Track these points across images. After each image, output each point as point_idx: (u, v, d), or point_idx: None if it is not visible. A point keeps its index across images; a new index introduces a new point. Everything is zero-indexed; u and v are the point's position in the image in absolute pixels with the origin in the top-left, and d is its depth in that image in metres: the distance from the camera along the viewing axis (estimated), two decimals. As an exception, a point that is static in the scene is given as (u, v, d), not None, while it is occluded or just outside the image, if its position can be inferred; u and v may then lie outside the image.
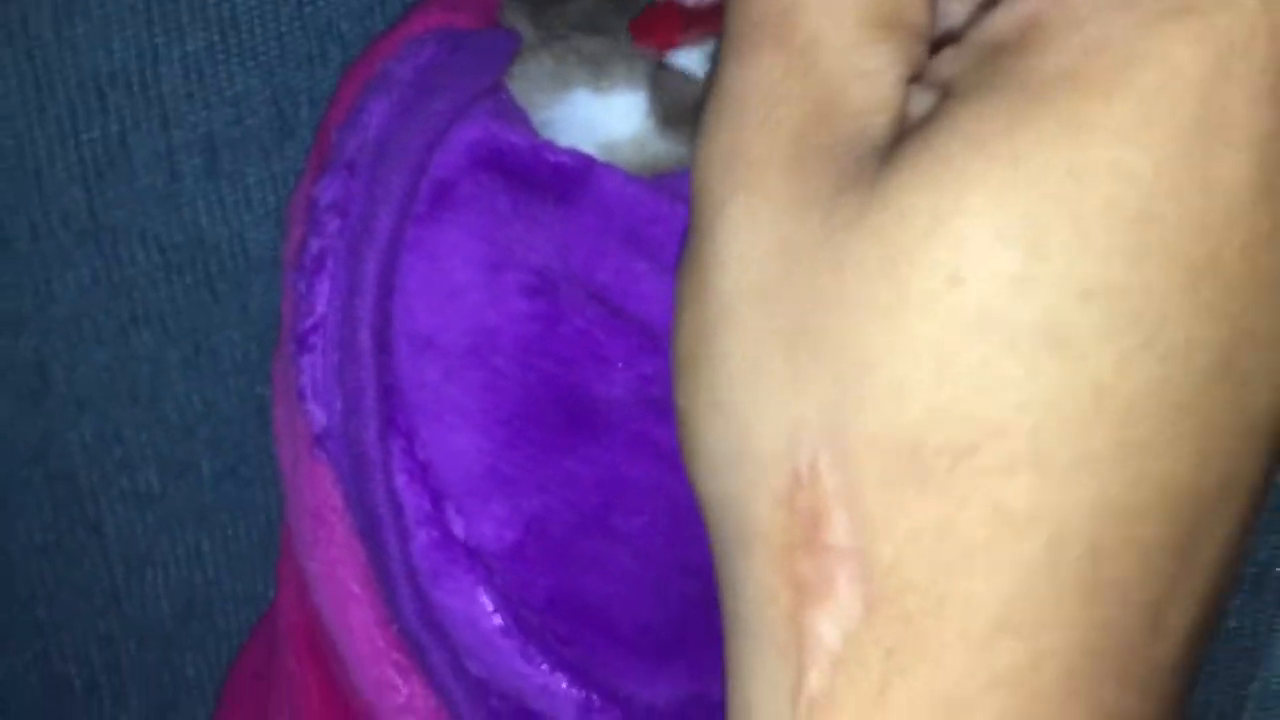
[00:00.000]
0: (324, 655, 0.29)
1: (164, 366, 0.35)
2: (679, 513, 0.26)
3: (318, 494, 0.27)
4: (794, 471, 0.17)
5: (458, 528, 0.25)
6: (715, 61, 0.19)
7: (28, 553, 0.35)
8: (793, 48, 0.18)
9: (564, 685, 0.25)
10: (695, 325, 0.18)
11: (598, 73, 0.27)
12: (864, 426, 0.16)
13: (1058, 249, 0.16)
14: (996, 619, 0.16)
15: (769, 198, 0.17)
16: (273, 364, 0.29)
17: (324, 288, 0.26)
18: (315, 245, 0.26)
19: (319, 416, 0.26)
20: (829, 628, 0.17)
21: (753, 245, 0.17)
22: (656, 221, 0.26)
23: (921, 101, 0.18)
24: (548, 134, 0.28)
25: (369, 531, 0.26)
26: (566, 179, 0.26)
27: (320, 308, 0.26)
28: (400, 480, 0.25)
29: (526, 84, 0.29)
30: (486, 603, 0.25)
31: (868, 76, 0.17)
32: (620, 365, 0.26)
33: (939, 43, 0.18)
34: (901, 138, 0.17)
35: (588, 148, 0.27)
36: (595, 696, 0.26)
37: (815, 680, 0.17)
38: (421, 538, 0.25)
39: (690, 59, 0.27)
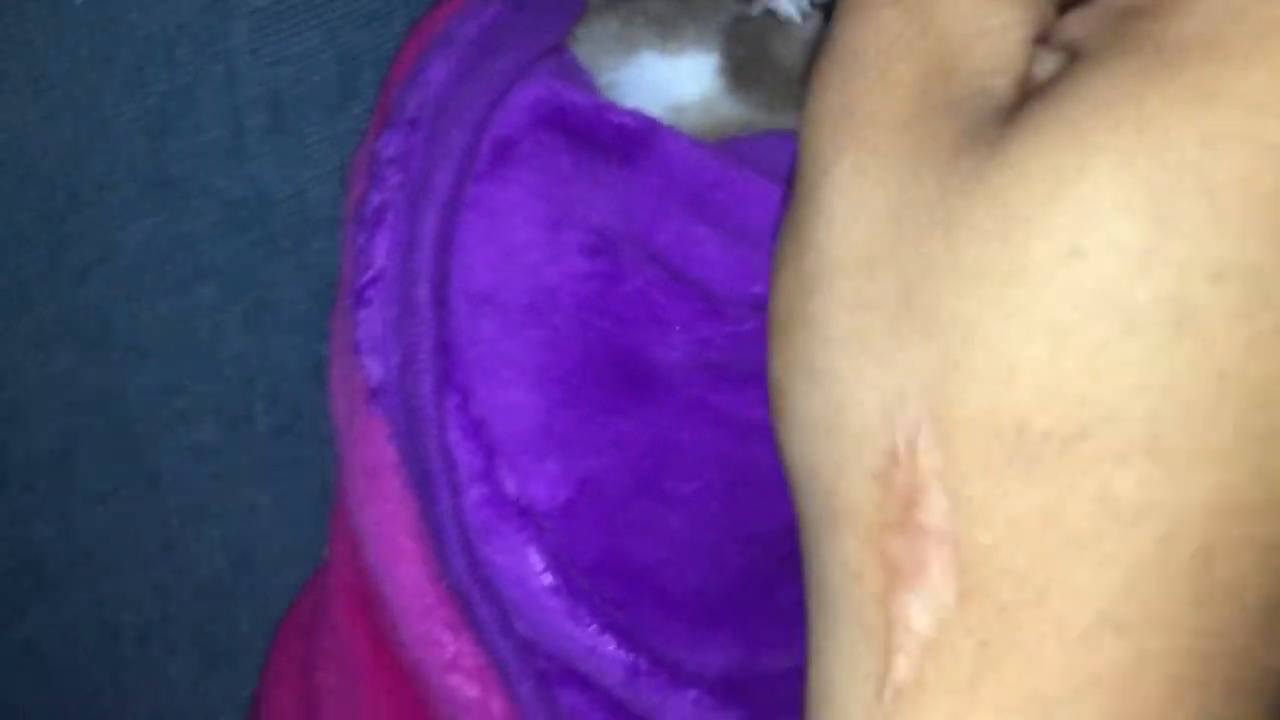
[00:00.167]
0: (372, 609, 0.29)
1: (223, 321, 0.35)
2: (736, 480, 0.26)
3: (372, 448, 0.27)
4: (891, 447, 0.16)
5: (510, 485, 0.25)
6: (828, 16, 0.18)
7: (86, 501, 0.36)
8: (913, 3, 0.17)
9: (612, 647, 0.25)
10: (794, 287, 0.17)
11: (665, 34, 0.27)
12: (969, 404, 0.15)
13: (1187, 224, 0.15)
14: (1099, 615, 0.15)
15: (880, 157, 0.16)
16: (331, 321, 0.29)
17: (383, 241, 0.26)
18: (376, 199, 0.26)
19: (375, 370, 0.26)
20: (920, 612, 0.16)
21: (860, 206, 0.16)
22: (720, 186, 0.26)
23: (1047, 64, 0.17)
24: (613, 96, 0.27)
25: (421, 486, 0.26)
26: (629, 140, 0.26)
27: (379, 261, 0.26)
28: (454, 436, 0.25)
29: (592, 46, 0.28)
30: (536, 561, 0.25)
31: (991, 34, 0.17)
32: (679, 328, 0.25)
33: (1067, 4, 0.17)
34: (1025, 99, 0.16)
35: (654, 110, 0.27)
36: (643, 660, 0.26)
37: (903, 667, 0.16)
38: (473, 494, 0.25)
39: (786, 5, 0.26)
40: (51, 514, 0.36)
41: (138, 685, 0.38)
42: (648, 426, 0.25)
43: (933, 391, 0.16)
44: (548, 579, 0.25)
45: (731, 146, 0.26)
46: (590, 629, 0.25)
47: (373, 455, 0.27)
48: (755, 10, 0.26)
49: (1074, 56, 0.16)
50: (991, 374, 0.15)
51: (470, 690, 0.27)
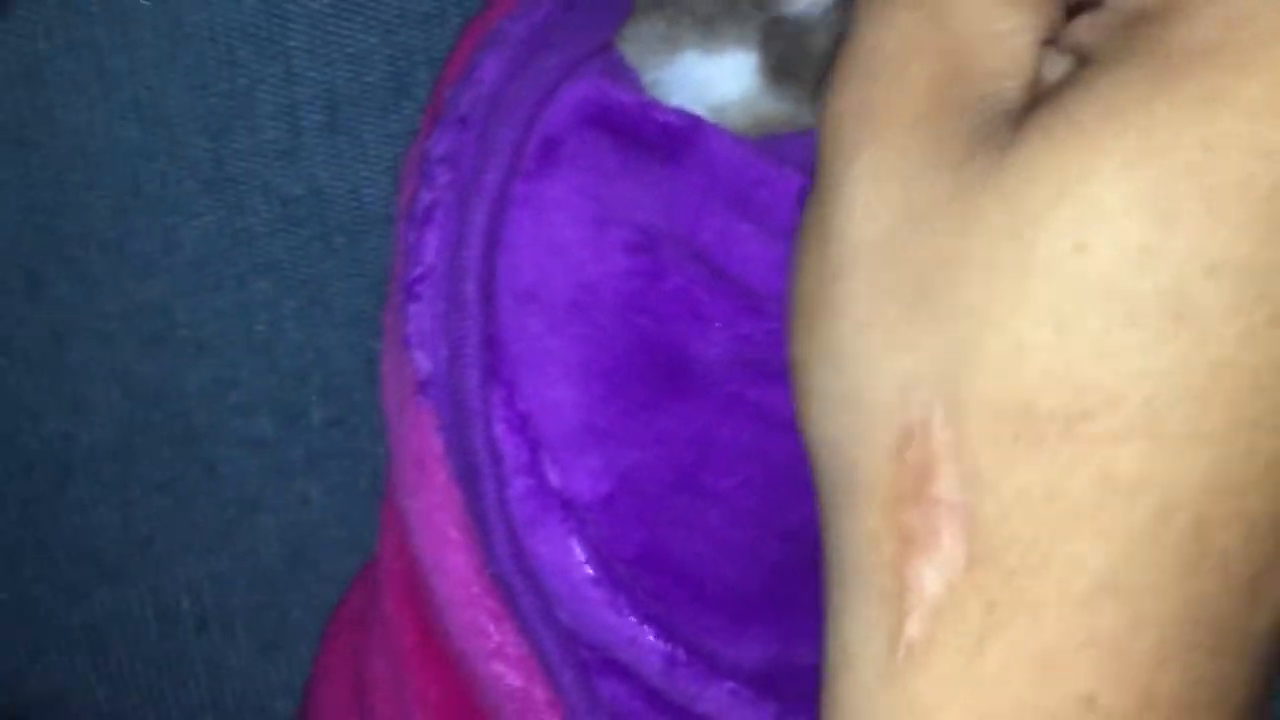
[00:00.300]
0: (420, 599, 0.30)
1: (280, 315, 0.36)
2: (775, 477, 0.26)
3: (420, 439, 0.27)
4: (905, 424, 0.17)
5: (553, 478, 0.26)
6: (848, 15, 0.19)
7: (146, 490, 0.37)
8: (929, 6, 0.18)
9: (651, 638, 0.26)
10: (816, 272, 0.18)
11: (708, 33, 0.27)
12: (979, 385, 0.17)
13: (1186, 222, 0.16)
14: (1098, 581, 0.16)
15: (898, 153, 0.17)
16: (384, 316, 0.30)
17: (433, 238, 0.27)
18: (426, 197, 0.27)
19: (424, 364, 0.27)
20: (932, 576, 0.17)
21: (879, 199, 0.17)
22: (763, 184, 0.26)
23: (1056, 66, 0.18)
24: (657, 94, 0.28)
25: (468, 478, 0.27)
26: (673, 138, 0.26)
27: (429, 258, 0.27)
28: (499, 429, 0.26)
29: (638, 45, 0.29)
30: (578, 553, 0.26)
31: (1003, 38, 0.18)
32: (719, 325, 0.26)
33: (1074, 8, 0.18)
34: (1035, 102, 0.17)
35: (697, 109, 0.27)
36: (681, 651, 0.26)
37: (915, 626, 0.17)
38: (518, 486, 0.26)
39: (805, 3, 0.27)
40: (113, 503, 0.37)
41: (195, 670, 0.39)
42: (688, 422, 0.26)
43: (945, 373, 0.17)
44: (589, 570, 0.26)
45: (772, 145, 0.27)
46: (630, 619, 0.26)
47: (421, 446, 0.28)
48: (787, 10, 0.26)
49: (1082, 61, 0.17)
50: (1000, 358, 0.16)
51: (514, 679, 0.27)
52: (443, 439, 0.27)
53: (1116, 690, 0.16)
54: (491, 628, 0.27)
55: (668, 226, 0.26)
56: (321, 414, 0.37)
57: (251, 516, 0.38)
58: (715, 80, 0.27)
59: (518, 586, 0.26)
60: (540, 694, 0.27)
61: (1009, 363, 0.16)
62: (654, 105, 0.27)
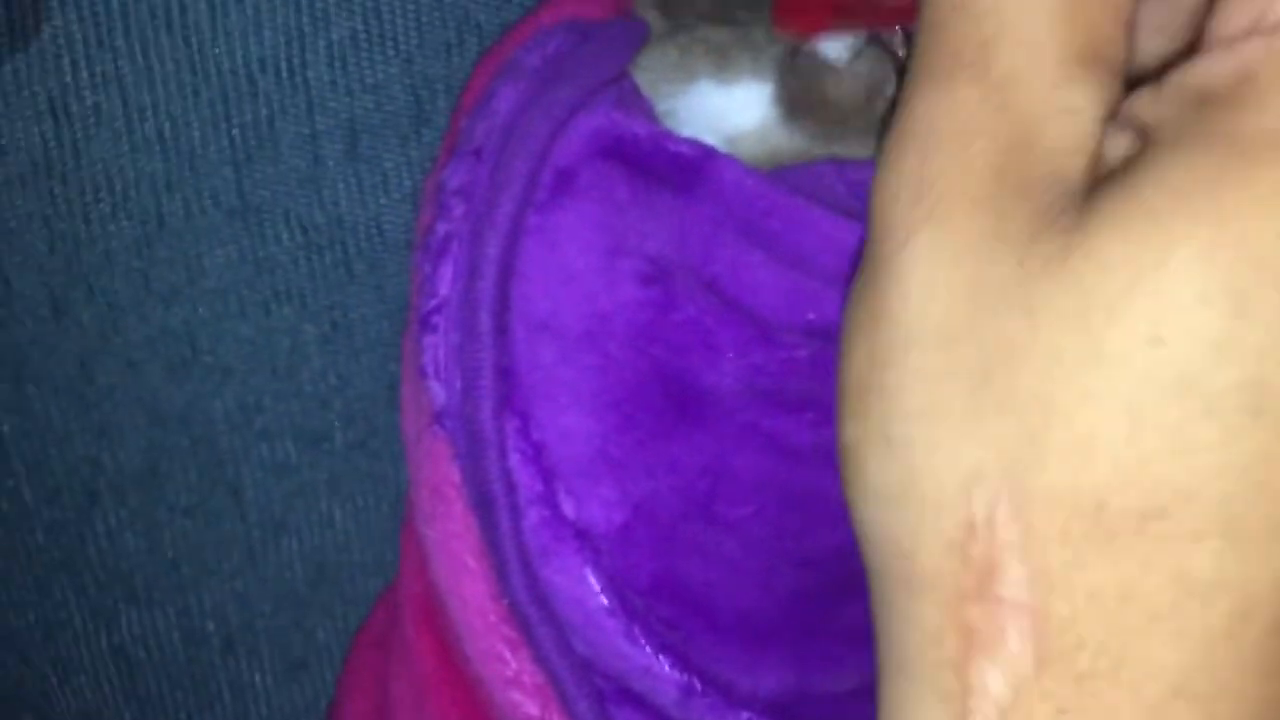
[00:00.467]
0: (439, 625, 0.30)
1: (302, 341, 0.36)
2: (788, 506, 0.27)
3: (437, 469, 0.28)
4: (969, 519, 0.16)
5: (568, 508, 0.26)
6: (883, 70, 0.18)
7: (173, 514, 0.37)
8: (990, 81, 0.17)
9: (666, 668, 0.26)
10: (869, 356, 0.18)
11: (722, 63, 0.28)
12: (1048, 479, 0.16)
13: (1264, 314, 0.15)
14: (1173, 686, 0.16)
15: (958, 233, 0.17)
16: (403, 341, 0.30)
17: (447, 270, 0.27)
18: (441, 229, 0.27)
19: (439, 394, 0.27)
20: (997, 679, 0.16)
21: (938, 281, 0.17)
22: (774, 214, 0.26)
23: (1117, 142, 0.17)
24: (671, 124, 0.28)
25: (482, 507, 0.27)
26: (686, 168, 0.27)
27: (444, 289, 0.27)
28: (514, 459, 0.26)
29: (652, 74, 0.29)
30: (593, 583, 0.26)
31: (1067, 115, 0.17)
32: (731, 355, 0.26)
33: (1130, 80, 0.18)
34: (1101, 183, 0.17)
35: (710, 139, 0.27)
36: (697, 680, 0.26)
37: None
38: (532, 516, 0.26)
39: (832, 49, 0.27)
40: (140, 527, 0.37)
41: (221, 692, 0.39)
42: (701, 452, 0.26)
43: (1011, 466, 0.16)
44: (604, 600, 0.26)
45: (785, 175, 0.27)
46: (645, 649, 0.26)
47: (438, 475, 0.28)
48: (804, 52, 0.26)
49: (1145, 139, 0.17)
50: (1071, 451, 0.16)
51: (530, 708, 0.28)
52: (459, 467, 0.27)
53: None
54: (509, 656, 0.28)
55: (679, 257, 0.26)
56: (344, 438, 0.38)
57: (276, 539, 0.38)
58: (729, 111, 0.28)
59: (533, 616, 0.26)
60: (557, 722, 0.27)
61: (1079, 456, 0.16)
62: (667, 136, 0.27)
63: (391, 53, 0.34)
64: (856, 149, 0.27)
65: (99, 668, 0.39)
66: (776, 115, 0.27)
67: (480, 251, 0.26)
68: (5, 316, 0.34)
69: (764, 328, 0.26)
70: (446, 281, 0.27)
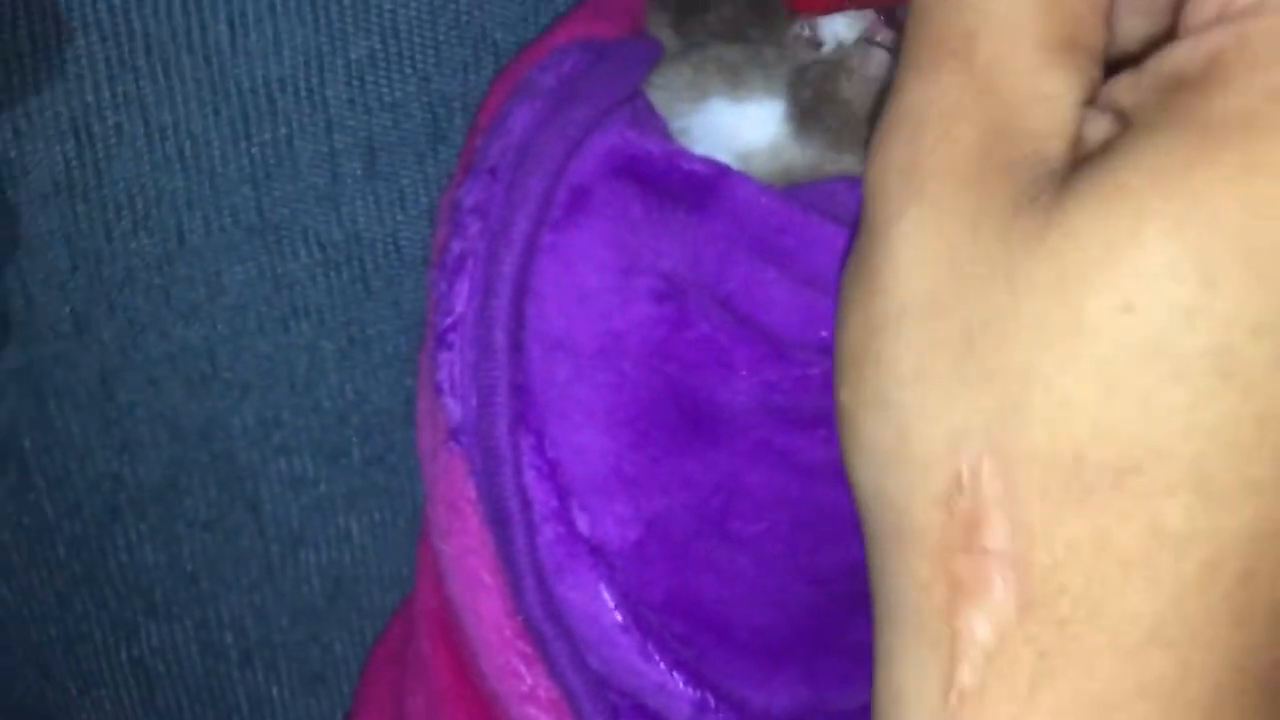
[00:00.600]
0: (455, 640, 0.30)
1: (320, 357, 0.36)
2: (802, 522, 0.27)
3: (453, 485, 0.28)
4: (955, 475, 0.17)
5: (582, 524, 0.26)
6: (892, 75, 0.19)
7: (192, 528, 0.38)
8: (973, 68, 0.18)
9: (680, 684, 0.26)
10: (863, 326, 0.19)
11: (735, 81, 0.28)
12: (1029, 438, 0.17)
13: (1231, 284, 0.16)
14: (1148, 631, 0.17)
15: (945, 211, 0.18)
16: (420, 357, 0.30)
17: (463, 288, 0.27)
18: (457, 247, 0.27)
19: (455, 411, 0.27)
20: (983, 625, 0.17)
21: (926, 255, 0.18)
22: (787, 231, 0.26)
23: (1096, 125, 0.18)
24: (685, 142, 0.28)
25: (498, 523, 0.27)
26: (699, 186, 0.27)
27: (459, 307, 0.27)
28: (529, 476, 0.26)
29: (666, 93, 0.29)
30: (608, 599, 0.26)
31: (1047, 99, 0.18)
32: (745, 372, 0.26)
33: (1111, 64, 0.19)
34: (1079, 163, 0.17)
35: (724, 156, 0.27)
36: (710, 697, 0.26)
37: (967, 674, 0.17)
38: (547, 533, 0.26)
39: (841, 26, 0.27)
40: (159, 541, 0.37)
41: (239, 705, 0.40)
42: (714, 469, 0.26)
43: (995, 427, 0.17)
44: (618, 616, 0.26)
45: (798, 192, 0.27)
46: (659, 665, 0.26)
47: (453, 491, 0.28)
48: (825, 48, 0.27)
49: (1123, 122, 0.18)
50: (1050, 413, 0.17)
51: (545, 722, 0.28)
52: (475, 484, 0.28)
53: None
54: (524, 671, 0.28)
55: (693, 274, 0.26)
56: (362, 453, 0.38)
57: (294, 553, 0.39)
58: (742, 128, 0.28)
59: (548, 632, 0.27)
60: (571, 738, 0.28)
61: (1059, 416, 0.17)
62: (681, 154, 0.27)
63: (409, 71, 0.34)
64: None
65: (119, 680, 0.39)
66: (789, 131, 0.27)
67: (495, 269, 0.26)
68: (27, 333, 0.35)
69: (778, 345, 0.26)
70: (462, 299, 0.27)
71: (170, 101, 0.33)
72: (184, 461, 0.37)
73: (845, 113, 0.27)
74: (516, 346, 0.26)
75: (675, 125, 0.29)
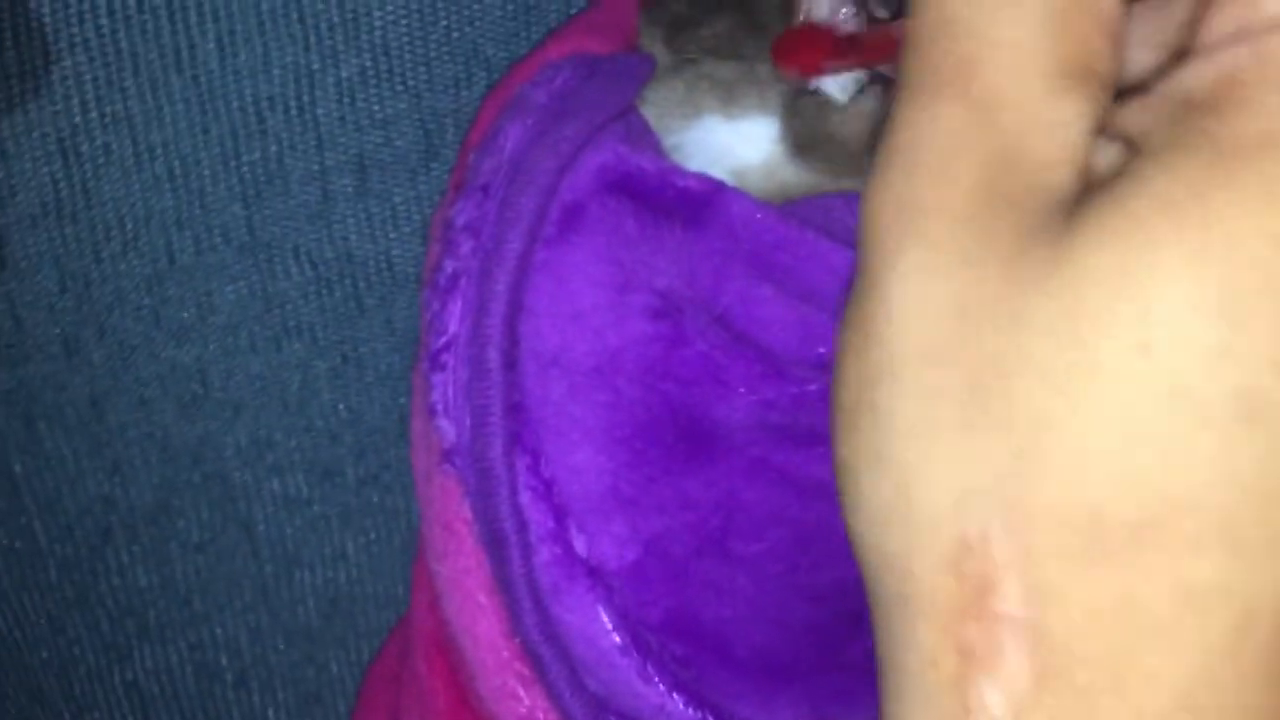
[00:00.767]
0: (451, 660, 0.30)
1: (313, 376, 0.36)
2: (801, 541, 0.26)
3: (448, 506, 0.28)
4: (962, 536, 0.16)
5: (579, 545, 0.26)
6: (889, 106, 0.18)
7: (185, 549, 0.37)
8: (974, 98, 0.17)
9: (680, 705, 0.26)
10: (860, 376, 0.17)
11: (729, 99, 0.28)
12: (1042, 494, 0.16)
13: (1255, 319, 0.15)
14: (1176, 700, 0.16)
15: (945, 251, 0.17)
16: (412, 378, 0.30)
17: (456, 307, 0.27)
18: (449, 266, 0.27)
19: (449, 432, 0.27)
20: (996, 697, 0.16)
21: (926, 299, 0.17)
22: (783, 247, 0.26)
23: (1106, 154, 0.17)
24: (678, 158, 0.28)
25: (493, 545, 0.27)
26: (694, 203, 0.27)
27: (452, 327, 0.27)
28: (525, 497, 0.26)
29: (658, 109, 0.29)
30: (606, 621, 0.26)
31: (1053, 128, 0.17)
32: (742, 390, 0.26)
33: (1121, 92, 0.18)
34: (1088, 193, 0.16)
35: (718, 173, 0.27)
36: (711, 717, 0.26)
37: None
38: (544, 554, 0.26)
39: (833, 86, 0.27)
40: (152, 563, 0.37)
41: (234, 727, 0.39)
42: (712, 487, 0.26)
43: (1004, 481, 0.16)
44: (617, 638, 0.26)
45: (794, 208, 0.27)
46: (659, 687, 0.26)
47: (448, 512, 0.28)
48: (807, 92, 0.26)
49: (1134, 149, 0.17)
50: (1065, 465, 0.16)
51: (544, 744, 0.27)
52: (470, 505, 0.27)
53: None
54: (522, 693, 0.27)
55: (689, 291, 0.26)
56: (356, 472, 0.38)
57: (288, 574, 0.38)
58: (736, 145, 0.28)
59: (545, 654, 0.26)
60: (570, 759, 0.27)
61: (1074, 470, 0.16)
62: (674, 170, 0.27)
63: (400, 88, 0.34)
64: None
65: (112, 704, 0.39)
66: (782, 151, 0.27)
67: (489, 288, 0.26)
68: (16, 355, 0.34)
69: (775, 362, 0.26)
70: (455, 318, 0.27)
71: (159, 121, 0.33)
72: (176, 483, 0.36)
73: (839, 148, 0.27)
74: (511, 365, 0.26)
75: (668, 142, 0.28)
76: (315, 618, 0.39)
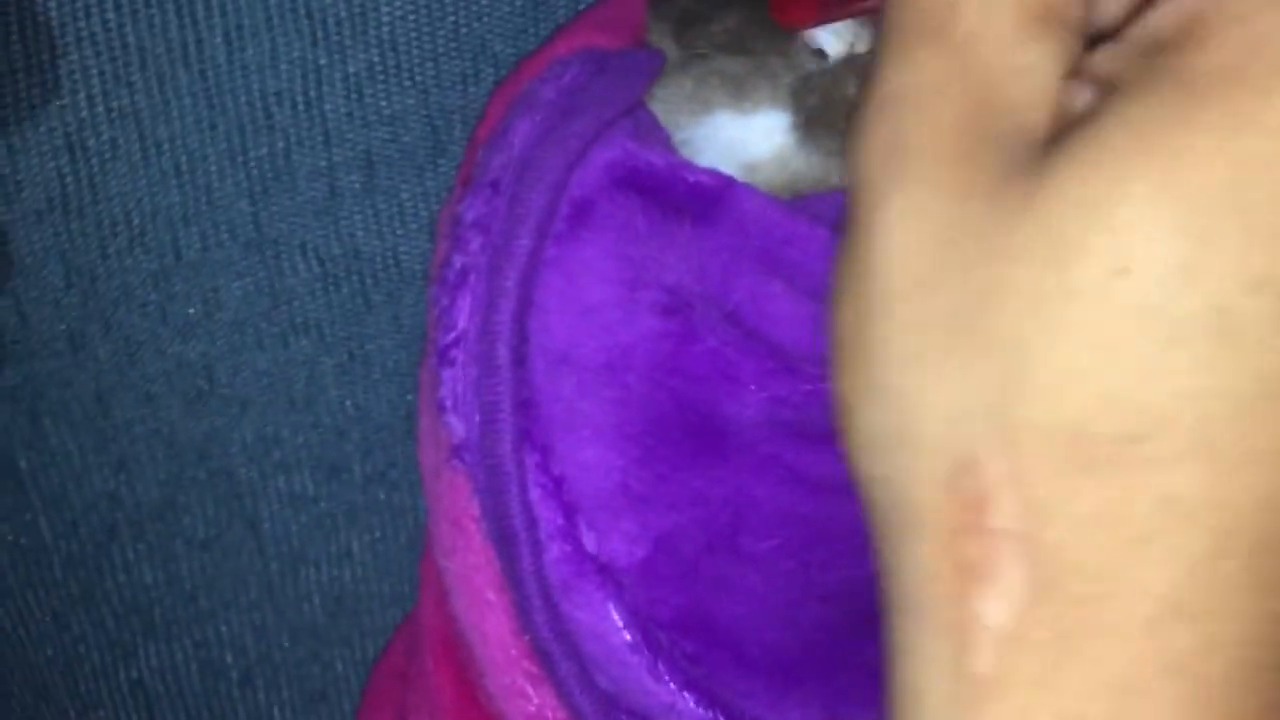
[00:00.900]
0: (459, 658, 0.30)
1: (319, 373, 0.36)
2: (812, 538, 0.26)
3: (456, 503, 0.27)
4: (957, 456, 0.17)
5: (589, 543, 0.26)
6: (872, 57, 0.19)
7: (191, 547, 0.37)
8: (952, 44, 0.18)
9: (691, 704, 0.26)
10: (855, 311, 0.18)
11: (739, 94, 0.28)
12: (1030, 413, 0.16)
13: (1224, 240, 0.16)
14: (1167, 605, 0.16)
15: (931, 188, 0.18)
16: (420, 374, 0.30)
17: (465, 303, 0.27)
18: (458, 261, 0.27)
19: (458, 428, 0.27)
20: (995, 608, 0.17)
21: (915, 234, 0.18)
22: (793, 243, 0.26)
23: (1081, 97, 0.18)
24: (687, 154, 0.28)
25: (503, 542, 0.27)
26: (704, 198, 0.26)
27: (461, 323, 0.27)
28: (535, 494, 0.26)
29: (668, 105, 0.29)
30: (616, 618, 0.26)
31: (1026, 72, 0.18)
32: (753, 386, 0.26)
33: (1093, 40, 0.19)
34: (1063, 131, 0.17)
35: (728, 168, 0.27)
36: (722, 717, 0.26)
37: (982, 660, 0.17)
38: (554, 551, 0.26)
39: (830, 38, 0.27)
40: (158, 560, 0.37)
41: (240, 725, 0.39)
42: (722, 485, 0.25)
43: (994, 403, 0.17)
44: (627, 635, 0.26)
45: (806, 203, 0.27)
46: (670, 685, 0.26)
47: (457, 509, 0.28)
48: (831, 59, 0.26)
49: (1108, 90, 0.17)
50: (1049, 385, 0.16)
51: (553, 742, 0.27)
52: (478, 502, 0.27)
53: (1196, 716, 0.16)
54: (530, 690, 0.27)
55: (699, 287, 0.26)
56: (362, 469, 0.38)
57: (294, 571, 0.38)
58: (747, 139, 0.27)
59: (555, 652, 0.26)
60: (579, 758, 0.27)
61: (1059, 389, 0.16)
62: (684, 166, 0.27)
63: (408, 84, 0.34)
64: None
65: (117, 702, 0.39)
66: (795, 141, 0.27)
67: (498, 284, 0.26)
68: (22, 351, 0.34)
69: (786, 359, 0.26)
70: (464, 315, 0.27)
71: (166, 116, 0.33)
72: (182, 479, 0.36)
73: (851, 115, 0.27)
74: (520, 361, 0.26)
75: (678, 137, 0.28)
76: (321, 615, 0.39)
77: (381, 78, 0.34)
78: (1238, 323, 0.16)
